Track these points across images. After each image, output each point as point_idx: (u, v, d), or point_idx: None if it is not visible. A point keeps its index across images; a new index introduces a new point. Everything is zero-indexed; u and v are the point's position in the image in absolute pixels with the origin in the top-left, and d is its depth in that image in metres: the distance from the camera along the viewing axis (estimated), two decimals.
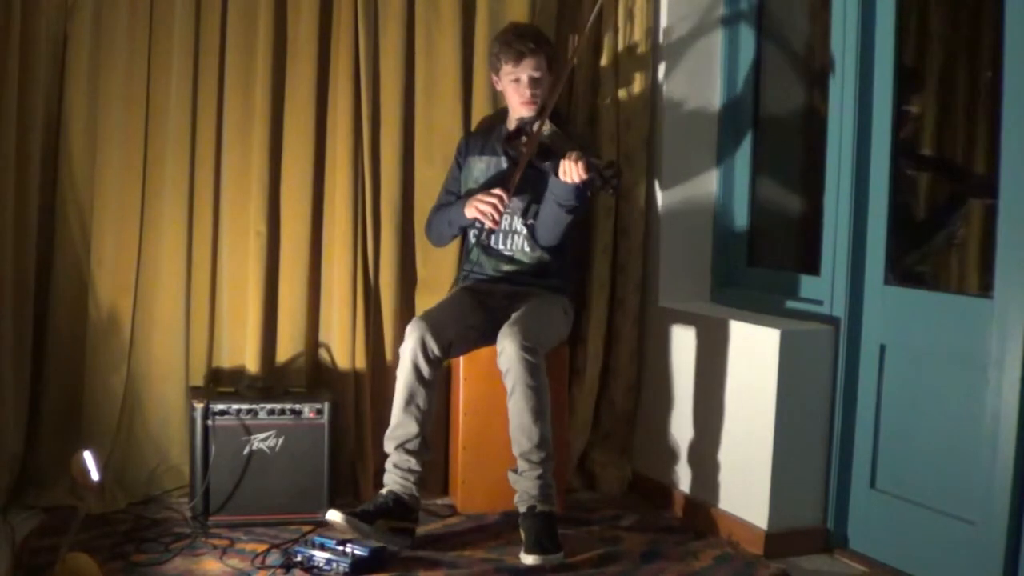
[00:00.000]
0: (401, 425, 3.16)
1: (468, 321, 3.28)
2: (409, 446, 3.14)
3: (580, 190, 3.15)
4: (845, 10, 3.15)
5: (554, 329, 3.38)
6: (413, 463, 3.15)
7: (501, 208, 3.25)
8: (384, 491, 3.13)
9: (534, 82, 3.35)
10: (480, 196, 3.28)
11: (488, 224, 3.27)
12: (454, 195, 3.50)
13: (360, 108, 3.53)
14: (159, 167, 3.42)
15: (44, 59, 3.25)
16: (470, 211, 3.29)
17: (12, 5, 3.14)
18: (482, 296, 3.40)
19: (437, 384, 3.21)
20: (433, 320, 3.20)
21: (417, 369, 3.13)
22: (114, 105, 3.35)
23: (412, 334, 3.15)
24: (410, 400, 3.14)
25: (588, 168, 3.04)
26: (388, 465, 3.17)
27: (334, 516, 2.99)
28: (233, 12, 3.44)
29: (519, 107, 3.38)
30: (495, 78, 3.45)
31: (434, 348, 3.14)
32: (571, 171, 3.06)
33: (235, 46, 3.45)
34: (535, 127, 3.24)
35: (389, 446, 3.17)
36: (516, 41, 3.33)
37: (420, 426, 3.15)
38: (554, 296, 3.43)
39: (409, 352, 3.14)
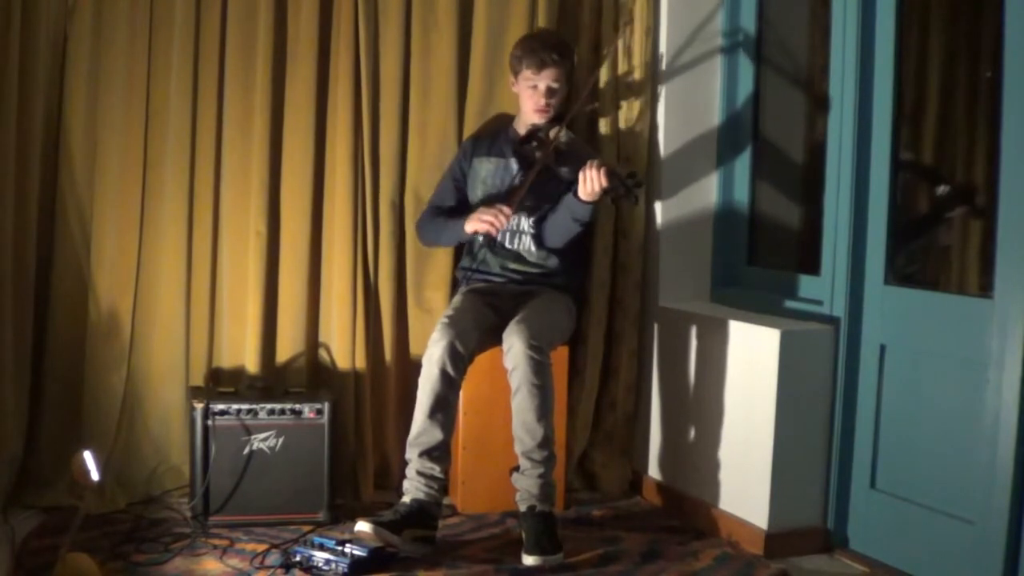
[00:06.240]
0: (425, 432, 3.12)
1: (485, 324, 3.27)
2: (434, 453, 3.12)
3: (595, 206, 3.15)
4: (845, 13, 3.15)
5: (559, 328, 3.39)
6: (437, 471, 3.12)
7: (504, 222, 3.26)
8: (408, 499, 3.10)
9: (551, 92, 3.36)
10: (484, 210, 3.28)
11: (492, 233, 3.28)
12: (450, 198, 3.49)
13: (360, 108, 3.53)
14: (159, 167, 3.42)
15: (44, 59, 3.25)
16: (471, 225, 3.28)
17: (12, 5, 3.14)
18: (490, 297, 3.39)
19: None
20: (458, 326, 3.17)
21: (446, 375, 3.11)
22: (114, 105, 3.35)
23: (440, 340, 3.12)
24: (436, 407, 3.11)
25: (611, 176, 3.05)
26: (410, 472, 3.14)
27: (363, 527, 2.97)
28: (233, 12, 3.43)
29: (531, 113, 3.39)
30: (512, 79, 3.45)
31: (463, 354, 3.13)
32: (593, 179, 3.07)
33: (235, 46, 3.44)
34: (552, 133, 3.25)
35: (412, 453, 3.14)
36: (541, 49, 3.34)
37: (445, 433, 3.13)
38: (558, 294, 3.44)
39: (437, 359, 3.10)
